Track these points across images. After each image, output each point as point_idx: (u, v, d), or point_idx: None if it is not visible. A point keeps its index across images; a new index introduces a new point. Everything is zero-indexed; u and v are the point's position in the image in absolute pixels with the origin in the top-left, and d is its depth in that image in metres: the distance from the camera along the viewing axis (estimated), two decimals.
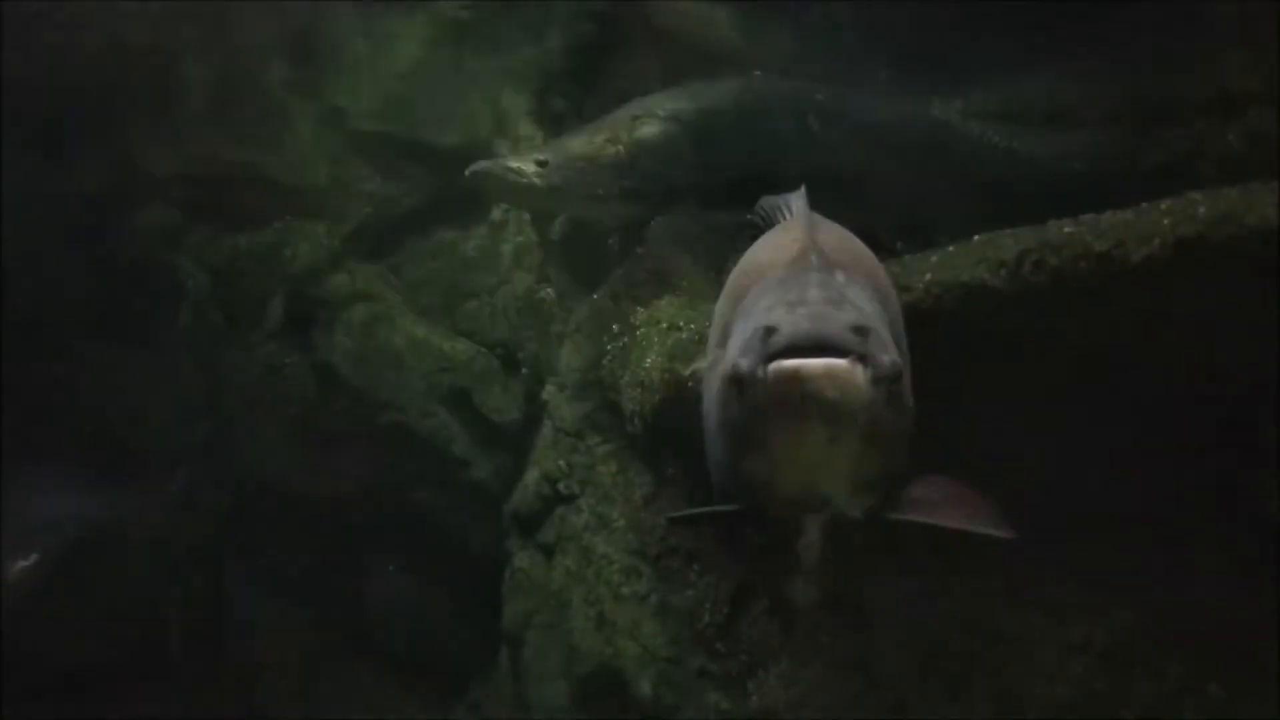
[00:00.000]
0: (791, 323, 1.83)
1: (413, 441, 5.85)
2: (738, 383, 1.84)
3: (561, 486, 4.98)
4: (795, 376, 1.73)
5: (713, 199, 4.23)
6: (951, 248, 3.46)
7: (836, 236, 2.32)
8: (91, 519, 6.26)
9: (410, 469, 5.91)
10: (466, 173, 4.25)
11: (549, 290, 5.69)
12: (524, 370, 5.69)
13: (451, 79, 6.01)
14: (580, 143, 4.32)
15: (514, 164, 4.26)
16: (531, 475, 5.21)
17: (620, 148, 4.23)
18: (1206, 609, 3.18)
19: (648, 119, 4.29)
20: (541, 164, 4.21)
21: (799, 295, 1.92)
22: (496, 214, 5.91)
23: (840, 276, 2.01)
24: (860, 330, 1.82)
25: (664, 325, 4.20)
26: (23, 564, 5.92)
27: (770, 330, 1.84)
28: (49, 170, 6.27)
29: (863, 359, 1.77)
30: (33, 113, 6.19)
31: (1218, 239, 2.84)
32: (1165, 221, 2.94)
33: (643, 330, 4.29)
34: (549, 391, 5.24)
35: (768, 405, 1.78)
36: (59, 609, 6.02)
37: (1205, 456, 3.14)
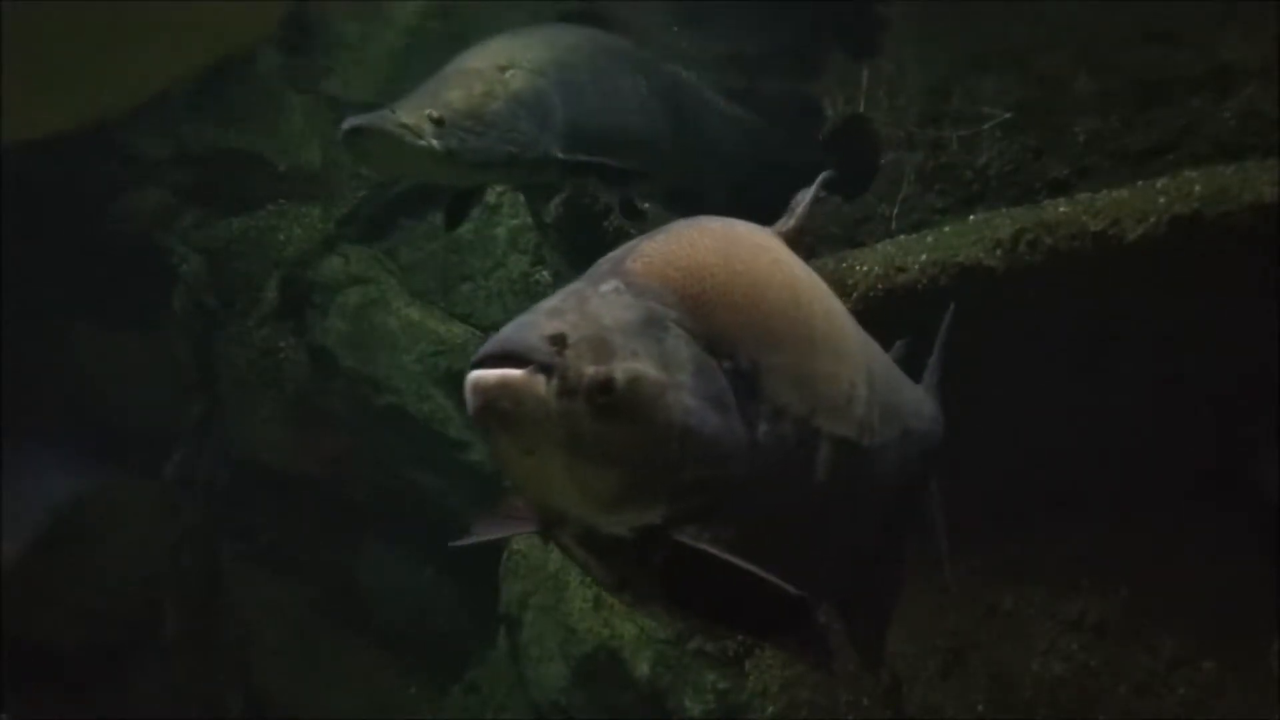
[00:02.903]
0: (497, 332, 1.77)
1: (409, 424, 5.84)
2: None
3: None
4: (474, 388, 1.68)
5: (576, 170, 3.76)
6: (948, 228, 3.46)
7: (686, 243, 1.96)
8: (87, 499, 6.26)
9: (406, 451, 5.91)
10: (343, 129, 3.33)
11: (545, 273, 5.67)
12: None
13: (443, 58, 5.96)
14: (459, 96, 3.53)
15: (409, 121, 3.37)
16: None
17: (500, 103, 3.56)
18: (1201, 585, 3.19)
19: (515, 70, 3.67)
20: (438, 122, 3.41)
21: (540, 304, 1.82)
22: (491, 196, 5.88)
23: (610, 285, 1.83)
24: (557, 340, 1.71)
25: None
26: (18, 544, 5.93)
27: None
28: (44, 154, 6.23)
29: (547, 370, 1.68)
30: None
31: (1213, 217, 2.84)
32: (1161, 200, 2.95)
33: None
34: None
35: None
36: (55, 589, 6.03)
37: (1202, 434, 3.15)
